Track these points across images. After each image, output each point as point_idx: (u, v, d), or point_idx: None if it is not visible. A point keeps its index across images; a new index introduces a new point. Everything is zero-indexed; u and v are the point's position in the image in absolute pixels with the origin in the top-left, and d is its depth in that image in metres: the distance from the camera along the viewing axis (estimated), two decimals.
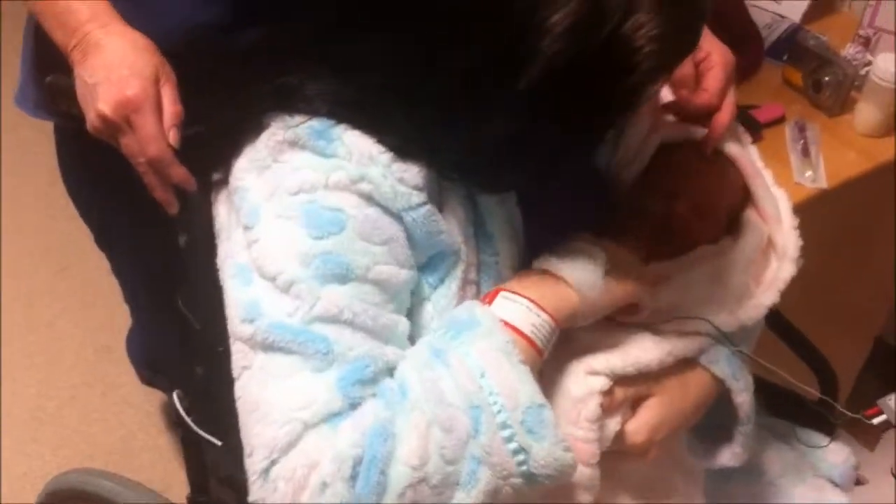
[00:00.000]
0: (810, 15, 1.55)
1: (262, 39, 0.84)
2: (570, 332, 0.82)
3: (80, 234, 1.29)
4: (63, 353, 2.03)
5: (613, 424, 0.84)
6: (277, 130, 0.76)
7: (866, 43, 1.46)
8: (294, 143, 0.75)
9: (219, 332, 0.80)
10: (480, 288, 0.81)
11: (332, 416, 0.69)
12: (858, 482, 1.86)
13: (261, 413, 0.70)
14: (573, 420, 0.82)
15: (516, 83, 0.68)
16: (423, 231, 0.76)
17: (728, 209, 0.96)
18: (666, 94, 0.96)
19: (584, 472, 0.82)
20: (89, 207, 1.23)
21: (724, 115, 0.92)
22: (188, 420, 0.95)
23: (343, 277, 0.72)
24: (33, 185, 2.26)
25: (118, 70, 0.83)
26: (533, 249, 0.83)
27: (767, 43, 1.50)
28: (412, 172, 0.74)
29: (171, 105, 0.84)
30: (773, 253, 0.95)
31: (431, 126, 0.74)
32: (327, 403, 0.69)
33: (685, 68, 0.91)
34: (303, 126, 0.74)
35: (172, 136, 0.84)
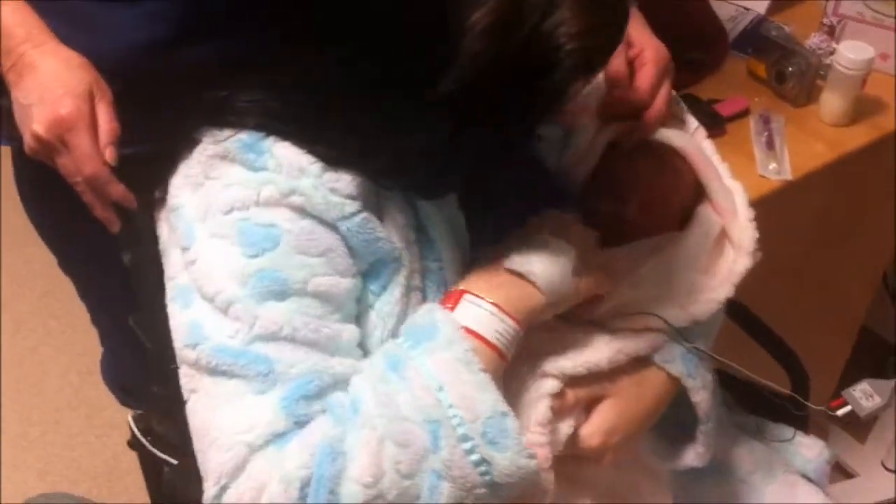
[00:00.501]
0: (776, 6, 1.54)
1: (203, 56, 0.84)
2: None
3: None
4: (46, 378, 2.03)
5: (566, 427, 0.83)
6: (208, 145, 0.75)
7: (831, 31, 1.44)
8: (224, 157, 0.74)
9: (171, 350, 0.79)
10: (425, 294, 0.80)
11: (277, 437, 0.69)
12: (848, 475, 1.84)
13: (210, 438, 0.70)
14: (524, 424, 0.81)
15: (441, 85, 0.67)
16: (359, 239, 0.75)
17: (680, 205, 0.94)
18: None
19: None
20: (49, 231, 1.22)
21: (654, 112, 0.92)
22: (144, 441, 0.95)
23: (281, 294, 0.72)
24: (13, 211, 2.26)
25: (52, 90, 0.82)
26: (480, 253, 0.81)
27: (732, 36, 1.49)
28: (344, 181, 0.74)
29: (106, 123, 0.83)
30: (730, 246, 0.94)
31: (360, 133, 0.73)
32: (270, 424, 0.69)
33: (618, 66, 0.90)
34: (232, 139, 0.74)
35: (108, 154, 0.83)
